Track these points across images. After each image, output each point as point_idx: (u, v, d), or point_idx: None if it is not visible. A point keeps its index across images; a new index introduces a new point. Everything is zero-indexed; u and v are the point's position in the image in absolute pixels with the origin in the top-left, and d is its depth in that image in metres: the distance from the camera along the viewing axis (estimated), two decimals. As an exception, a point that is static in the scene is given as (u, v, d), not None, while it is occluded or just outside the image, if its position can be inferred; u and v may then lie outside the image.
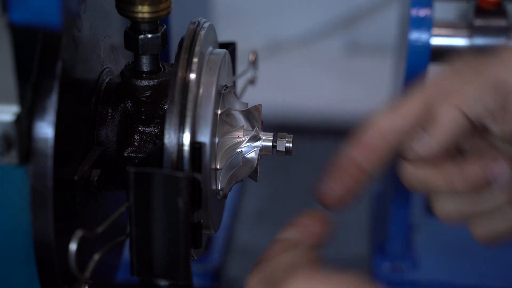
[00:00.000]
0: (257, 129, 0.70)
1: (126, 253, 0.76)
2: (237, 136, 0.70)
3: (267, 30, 1.58)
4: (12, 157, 0.61)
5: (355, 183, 0.69)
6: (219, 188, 0.69)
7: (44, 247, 0.63)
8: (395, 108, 0.68)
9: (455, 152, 0.70)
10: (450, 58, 0.70)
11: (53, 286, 0.65)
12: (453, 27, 0.90)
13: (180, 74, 0.66)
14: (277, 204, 1.21)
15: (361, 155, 0.69)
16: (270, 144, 0.71)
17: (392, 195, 1.00)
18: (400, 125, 0.67)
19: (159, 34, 0.70)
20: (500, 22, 0.88)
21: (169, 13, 0.69)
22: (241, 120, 0.70)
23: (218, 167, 0.68)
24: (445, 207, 0.71)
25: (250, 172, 0.70)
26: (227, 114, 0.70)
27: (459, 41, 0.89)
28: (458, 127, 0.67)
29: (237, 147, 0.70)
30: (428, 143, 0.67)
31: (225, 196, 0.71)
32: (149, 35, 0.69)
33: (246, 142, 0.70)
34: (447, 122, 0.67)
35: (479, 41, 0.89)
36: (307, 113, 1.40)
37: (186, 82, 0.66)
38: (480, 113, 0.66)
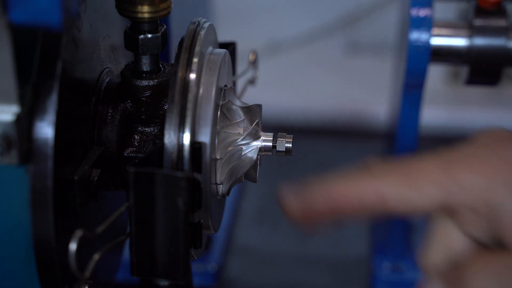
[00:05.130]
0: (257, 127, 0.70)
1: (126, 253, 0.76)
2: (237, 132, 0.70)
3: (267, 30, 1.57)
4: (12, 157, 0.61)
5: (319, 217, 0.61)
6: (218, 182, 0.69)
7: (44, 247, 0.63)
8: (405, 174, 0.58)
9: None
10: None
11: (53, 286, 0.65)
12: (453, 27, 0.90)
13: (180, 74, 0.66)
14: (277, 204, 1.21)
15: (339, 206, 0.60)
16: (270, 144, 0.71)
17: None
18: (405, 204, 0.58)
19: (159, 34, 0.70)
20: (500, 22, 0.88)
21: (169, 13, 0.69)
22: (241, 115, 0.70)
23: (218, 157, 0.68)
24: None
25: (250, 168, 0.70)
26: (228, 108, 0.70)
27: (459, 41, 0.89)
28: None
29: (237, 142, 0.70)
30: None
31: (224, 196, 0.71)
32: (149, 35, 0.69)
33: (246, 137, 0.70)
34: None
35: (479, 41, 0.89)
36: (307, 113, 1.40)
37: (186, 82, 0.66)
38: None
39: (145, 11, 0.68)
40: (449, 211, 0.59)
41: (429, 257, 0.61)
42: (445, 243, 0.60)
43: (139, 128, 0.70)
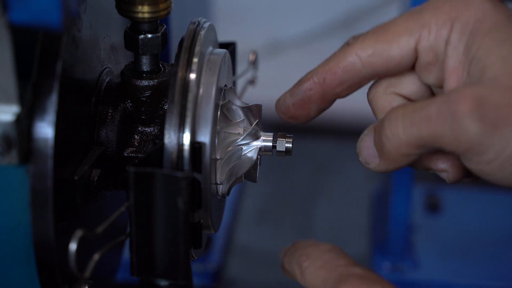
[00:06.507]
0: (257, 127, 0.70)
1: (126, 253, 0.76)
2: (237, 132, 0.70)
3: (267, 30, 1.58)
4: (12, 157, 0.61)
5: (313, 104, 0.68)
6: (218, 182, 0.69)
7: (44, 247, 0.63)
8: (380, 33, 0.64)
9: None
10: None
11: (53, 286, 0.65)
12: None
13: (180, 74, 0.66)
14: (277, 204, 1.21)
15: (327, 84, 0.66)
16: (270, 144, 0.71)
17: (392, 195, 1.00)
18: (379, 64, 0.64)
19: (159, 34, 0.70)
20: (500, 22, 0.88)
21: (169, 13, 0.69)
22: (241, 115, 0.70)
23: (218, 157, 0.68)
24: None
25: (250, 168, 0.70)
26: (228, 108, 0.70)
27: (459, 41, 0.89)
28: (412, 158, 0.62)
29: (237, 142, 0.70)
30: (376, 165, 0.64)
31: (224, 196, 0.71)
32: (149, 35, 0.69)
33: (246, 137, 0.70)
34: (395, 154, 0.62)
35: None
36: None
37: (186, 82, 0.66)
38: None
39: (145, 11, 0.68)
40: (415, 59, 0.64)
41: (375, 92, 0.68)
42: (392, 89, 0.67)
43: (139, 128, 0.70)
